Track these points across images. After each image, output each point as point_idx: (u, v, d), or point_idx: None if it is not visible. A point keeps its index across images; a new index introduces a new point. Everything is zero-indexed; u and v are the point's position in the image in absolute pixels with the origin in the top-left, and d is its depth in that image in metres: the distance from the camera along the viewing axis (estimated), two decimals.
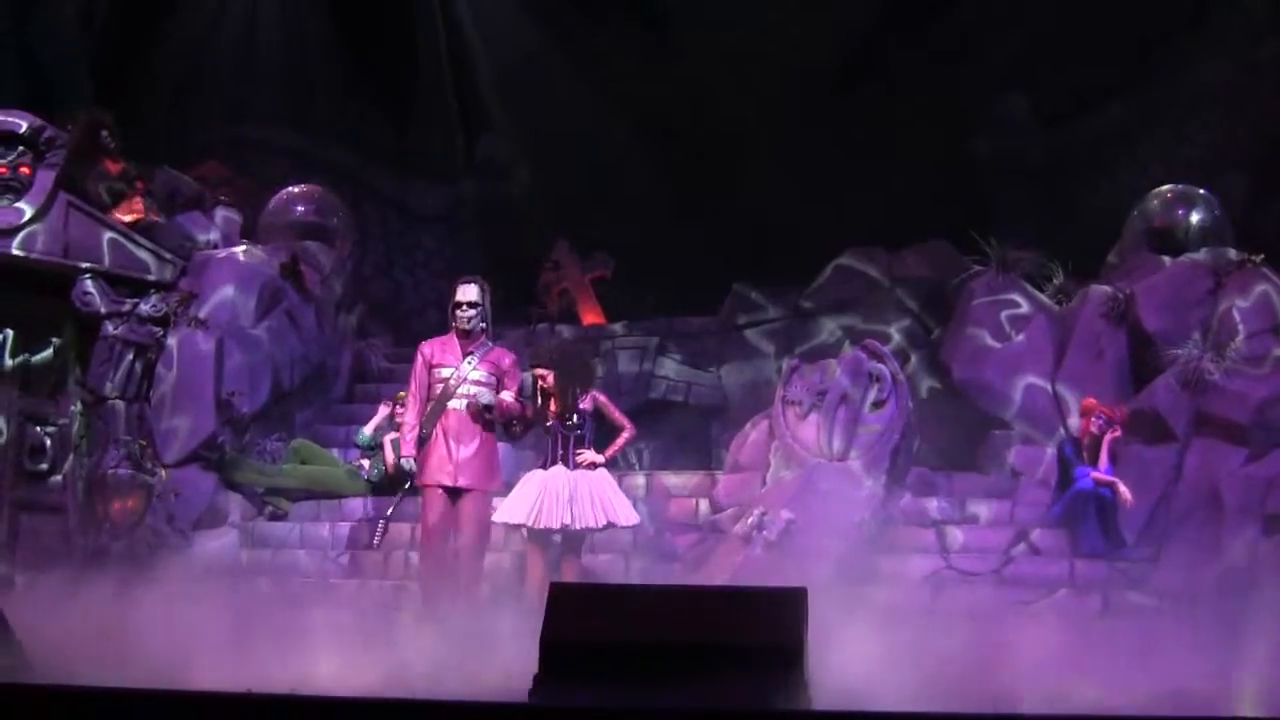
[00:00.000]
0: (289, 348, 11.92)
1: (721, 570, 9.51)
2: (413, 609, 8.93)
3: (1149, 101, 14.24)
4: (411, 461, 9.09)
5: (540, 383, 9.11)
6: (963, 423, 11.39)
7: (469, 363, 8.97)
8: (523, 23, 16.21)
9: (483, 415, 8.91)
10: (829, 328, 12.57)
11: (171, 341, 11.05)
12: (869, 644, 6.23)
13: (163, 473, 10.66)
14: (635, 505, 9.85)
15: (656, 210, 14.90)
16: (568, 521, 8.89)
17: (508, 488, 9.31)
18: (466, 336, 9.02)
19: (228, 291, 11.48)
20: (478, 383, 8.94)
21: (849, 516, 9.75)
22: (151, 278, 11.24)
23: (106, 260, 11.00)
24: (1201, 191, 11.84)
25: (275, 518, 11.16)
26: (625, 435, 9.29)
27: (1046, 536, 10.10)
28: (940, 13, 14.97)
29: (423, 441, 8.95)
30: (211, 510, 10.94)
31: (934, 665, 6.14)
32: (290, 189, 13.58)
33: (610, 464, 9.34)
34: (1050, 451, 10.67)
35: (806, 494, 9.87)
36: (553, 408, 9.10)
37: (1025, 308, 11.49)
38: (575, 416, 9.07)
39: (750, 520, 9.71)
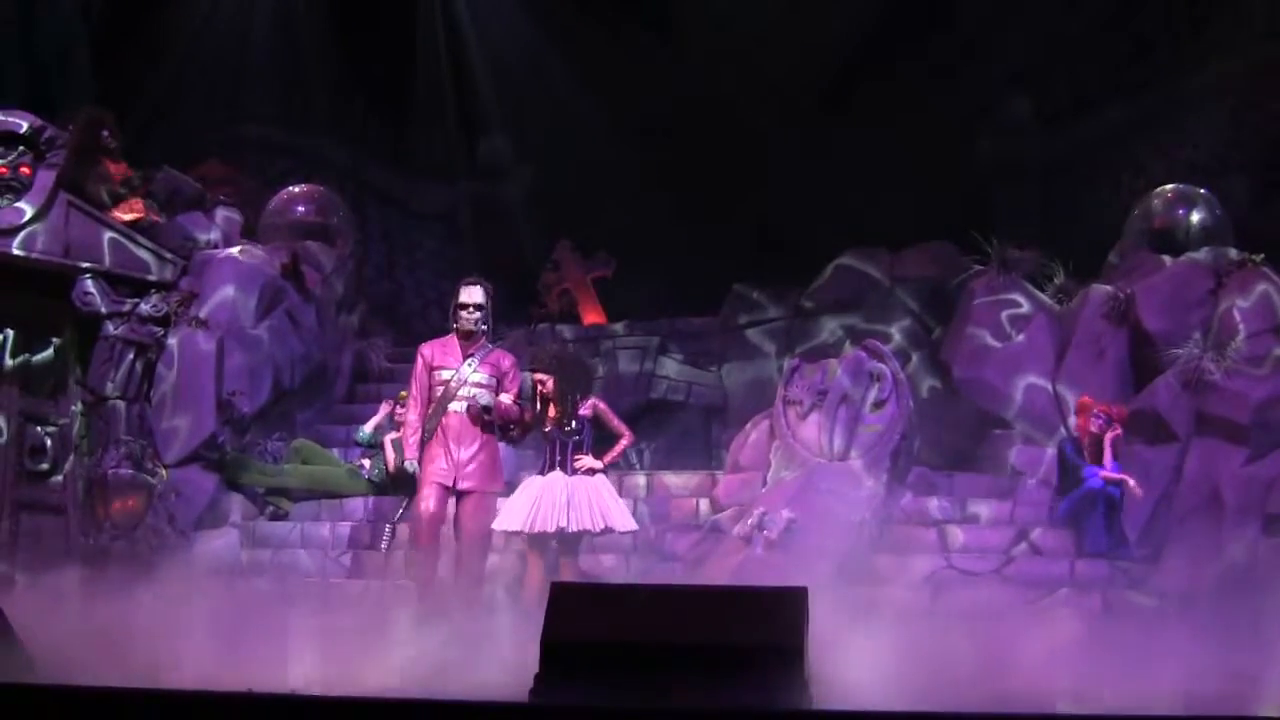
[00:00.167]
0: (290, 347, 11.92)
1: (722, 570, 9.50)
2: (413, 609, 8.91)
3: (1149, 102, 14.21)
4: (414, 464, 9.08)
5: (540, 388, 9.09)
6: (963, 423, 11.40)
7: (469, 365, 8.94)
8: (522, 23, 16.20)
9: (483, 417, 8.91)
10: (830, 327, 12.57)
11: (172, 341, 11.06)
12: (869, 644, 6.21)
13: (163, 472, 10.68)
14: (636, 505, 9.84)
15: (657, 210, 14.88)
16: (564, 525, 8.87)
17: (509, 488, 9.31)
18: (467, 338, 8.99)
19: (228, 291, 11.48)
20: (478, 385, 8.90)
21: (850, 516, 9.75)
22: (152, 278, 11.25)
23: (107, 260, 11.01)
24: (1202, 191, 11.86)
25: (276, 517, 11.16)
26: (623, 442, 9.27)
27: (1047, 536, 10.10)
28: (942, 13, 14.96)
29: (424, 443, 8.94)
30: (212, 510, 10.95)
31: (934, 665, 6.13)
32: (291, 189, 13.60)
33: (609, 467, 9.33)
34: (1051, 451, 10.68)
35: (807, 494, 9.87)
36: (552, 413, 9.06)
37: (1026, 307, 11.49)
38: (574, 423, 9.04)
39: (751, 520, 9.70)
